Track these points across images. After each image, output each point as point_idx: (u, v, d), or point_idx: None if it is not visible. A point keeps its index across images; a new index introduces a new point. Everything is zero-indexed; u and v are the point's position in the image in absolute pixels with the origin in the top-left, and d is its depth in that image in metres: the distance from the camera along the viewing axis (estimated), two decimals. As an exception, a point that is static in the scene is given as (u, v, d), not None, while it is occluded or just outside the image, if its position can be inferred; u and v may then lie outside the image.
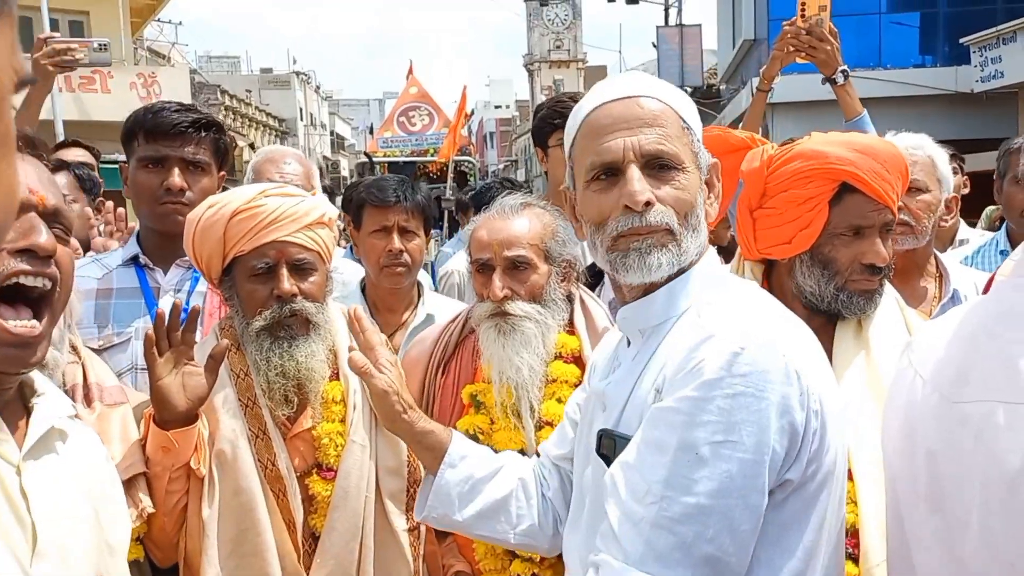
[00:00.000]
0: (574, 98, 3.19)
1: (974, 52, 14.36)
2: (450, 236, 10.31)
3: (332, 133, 79.21)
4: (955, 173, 3.98)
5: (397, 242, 2.79)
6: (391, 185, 2.83)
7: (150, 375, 1.93)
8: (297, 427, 2.10)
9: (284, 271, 2.02)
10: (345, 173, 74.05)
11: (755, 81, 14.37)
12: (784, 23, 3.19)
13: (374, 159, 16.13)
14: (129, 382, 2.36)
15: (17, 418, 1.33)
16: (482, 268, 2.16)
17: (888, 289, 1.94)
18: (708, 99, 25.48)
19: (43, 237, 1.26)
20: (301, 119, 63.06)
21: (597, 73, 48.62)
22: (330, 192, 6.52)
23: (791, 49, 3.18)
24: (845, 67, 3.18)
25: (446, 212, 10.72)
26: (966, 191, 4.15)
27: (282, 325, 2.04)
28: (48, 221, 1.30)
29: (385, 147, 16.65)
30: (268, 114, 54.49)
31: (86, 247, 2.59)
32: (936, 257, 2.57)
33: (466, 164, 15.54)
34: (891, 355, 1.79)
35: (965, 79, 14.76)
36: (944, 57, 15.83)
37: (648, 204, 1.36)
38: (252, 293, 2.04)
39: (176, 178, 2.42)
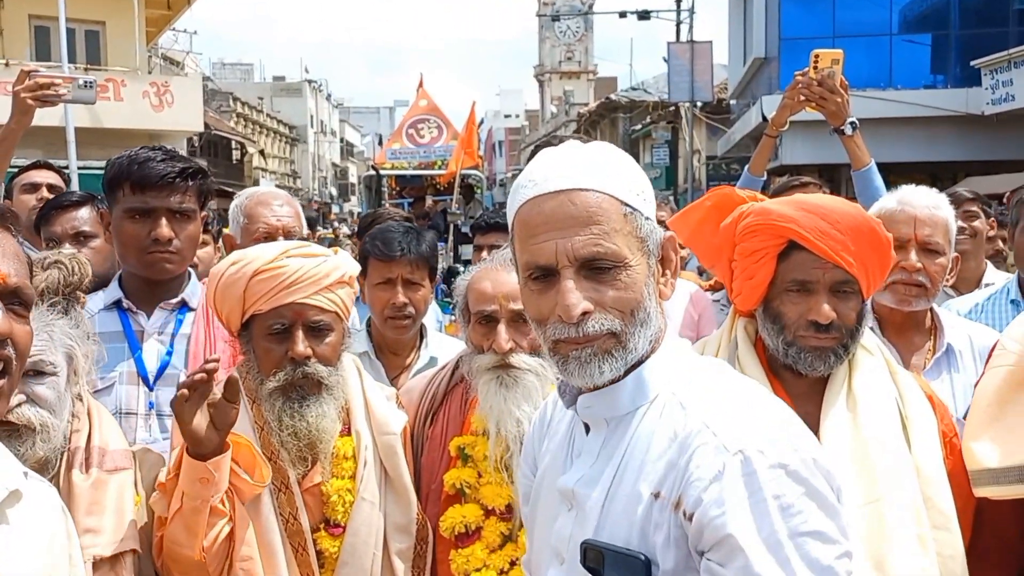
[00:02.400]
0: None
1: (985, 75, 14.32)
2: (455, 251, 10.32)
3: (342, 140, 79.61)
4: (976, 217, 3.97)
5: (401, 296, 2.79)
6: (396, 237, 2.81)
7: (177, 421, 1.91)
8: (307, 482, 2.11)
9: (300, 333, 2.05)
10: (353, 179, 74.50)
11: (765, 100, 14.38)
12: (796, 73, 3.22)
13: (382, 171, 16.19)
14: None
15: None
16: (484, 320, 2.16)
17: (879, 350, 1.95)
18: (719, 114, 25.50)
19: None
20: (311, 126, 63.38)
21: (607, 85, 48.70)
22: (312, 222, 6.43)
23: (802, 99, 3.21)
24: (854, 119, 3.19)
25: (451, 226, 10.76)
26: (992, 233, 4.13)
27: (295, 386, 2.06)
28: (6, 299, 1.28)
29: (393, 159, 16.69)
30: (279, 121, 54.83)
31: (106, 282, 2.58)
32: (932, 310, 2.57)
33: (472, 178, 15.57)
34: (875, 417, 1.84)
35: (976, 101, 14.73)
36: (955, 78, 15.80)
37: (585, 314, 1.29)
38: (267, 352, 2.07)
39: (164, 228, 2.41)
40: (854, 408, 1.85)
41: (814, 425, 1.78)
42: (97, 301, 2.52)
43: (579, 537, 1.34)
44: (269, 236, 2.98)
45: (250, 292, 2.05)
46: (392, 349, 2.94)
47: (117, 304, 2.52)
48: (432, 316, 3.14)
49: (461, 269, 8.12)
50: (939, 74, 16.82)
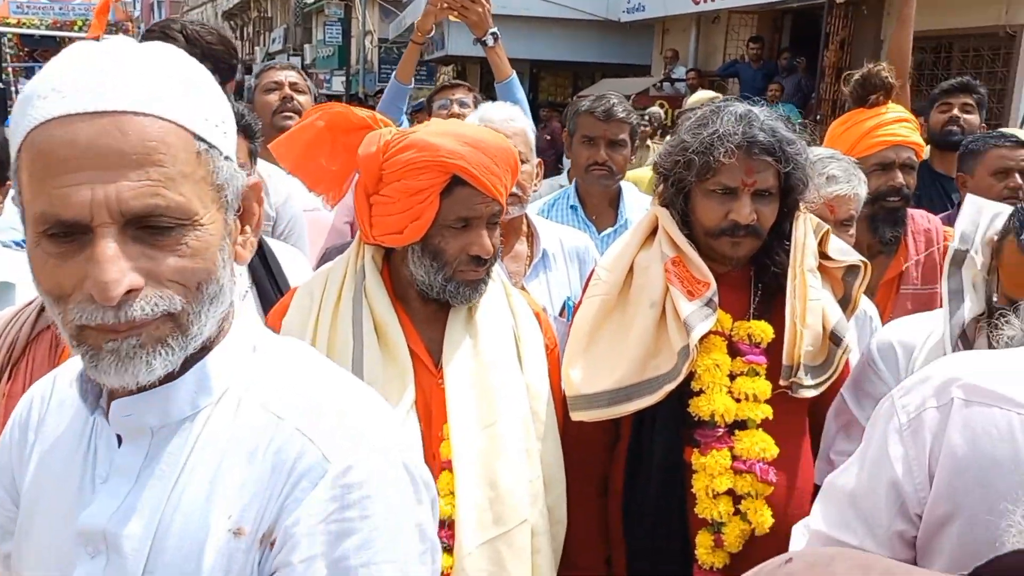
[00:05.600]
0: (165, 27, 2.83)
1: (623, -16, 15.67)
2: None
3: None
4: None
5: None
6: None
7: None
8: None
9: None
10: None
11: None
12: None
13: (3, 28, 14.25)
14: None
15: None
16: None
17: (498, 274, 2.00)
18: (391, -5, 25.28)
19: None
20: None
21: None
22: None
23: (445, 6, 3.33)
24: (495, 30, 3.35)
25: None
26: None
27: None
28: None
29: (19, 13, 14.75)
30: None
31: None
32: (527, 218, 2.69)
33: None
34: (494, 341, 1.91)
35: (614, 8, 16.09)
36: (597, -17, 16.98)
37: (131, 292, 0.92)
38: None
39: None
40: (475, 334, 1.90)
41: (438, 351, 1.88)
42: None
43: None
44: None
45: None
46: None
47: None
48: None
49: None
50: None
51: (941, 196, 3.50)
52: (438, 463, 1.79)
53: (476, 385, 1.84)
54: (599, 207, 3.29)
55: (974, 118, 3.88)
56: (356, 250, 1.95)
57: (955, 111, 3.88)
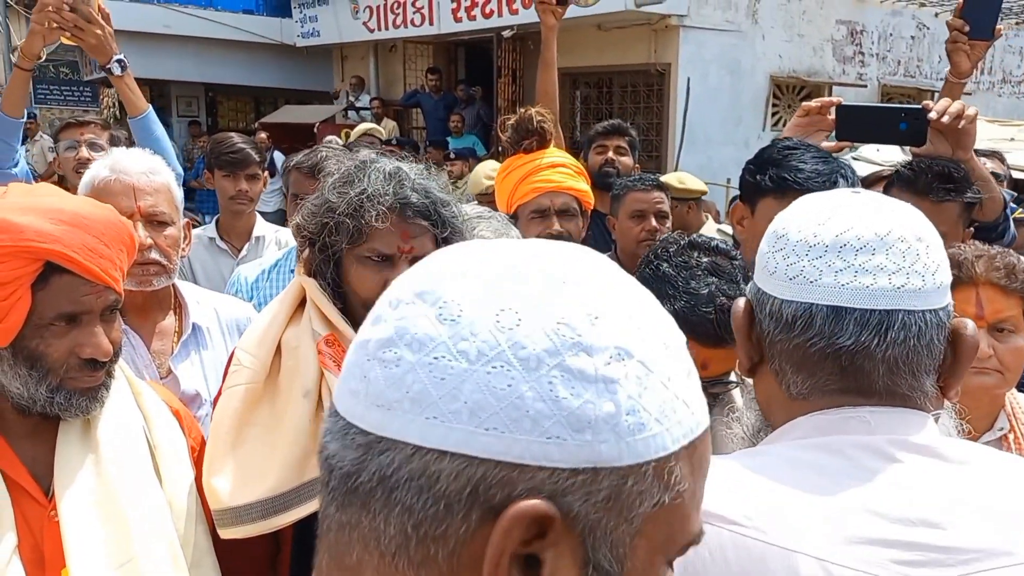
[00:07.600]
0: None
1: (295, 8, 15.28)
2: None
3: None
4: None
5: None
6: None
7: None
8: None
9: None
10: None
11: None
12: None
13: None
14: None
15: None
16: None
17: (121, 369, 1.69)
18: None
19: None
20: None
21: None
22: None
23: (54, 26, 2.80)
24: (121, 56, 2.93)
25: None
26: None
27: None
28: None
29: None
30: None
31: None
32: (175, 288, 2.34)
33: None
34: (122, 454, 1.59)
35: (289, 32, 15.65)
36: (271, 7, 16.36)
37: None
38: None
39: None
40: (96, 448, 1.55)
41: (47, 475, 1.51)
42: None
43: None
44: None
45: None
46: None
47: None
48: None
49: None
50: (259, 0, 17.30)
51: (605, 237, 3.58)
52: (58, 623, 1.43)
53: (102, 514, 1.50)
54: None
55: (628, 160, 4.08)
56: None
57: (610, 153, 4.04)
